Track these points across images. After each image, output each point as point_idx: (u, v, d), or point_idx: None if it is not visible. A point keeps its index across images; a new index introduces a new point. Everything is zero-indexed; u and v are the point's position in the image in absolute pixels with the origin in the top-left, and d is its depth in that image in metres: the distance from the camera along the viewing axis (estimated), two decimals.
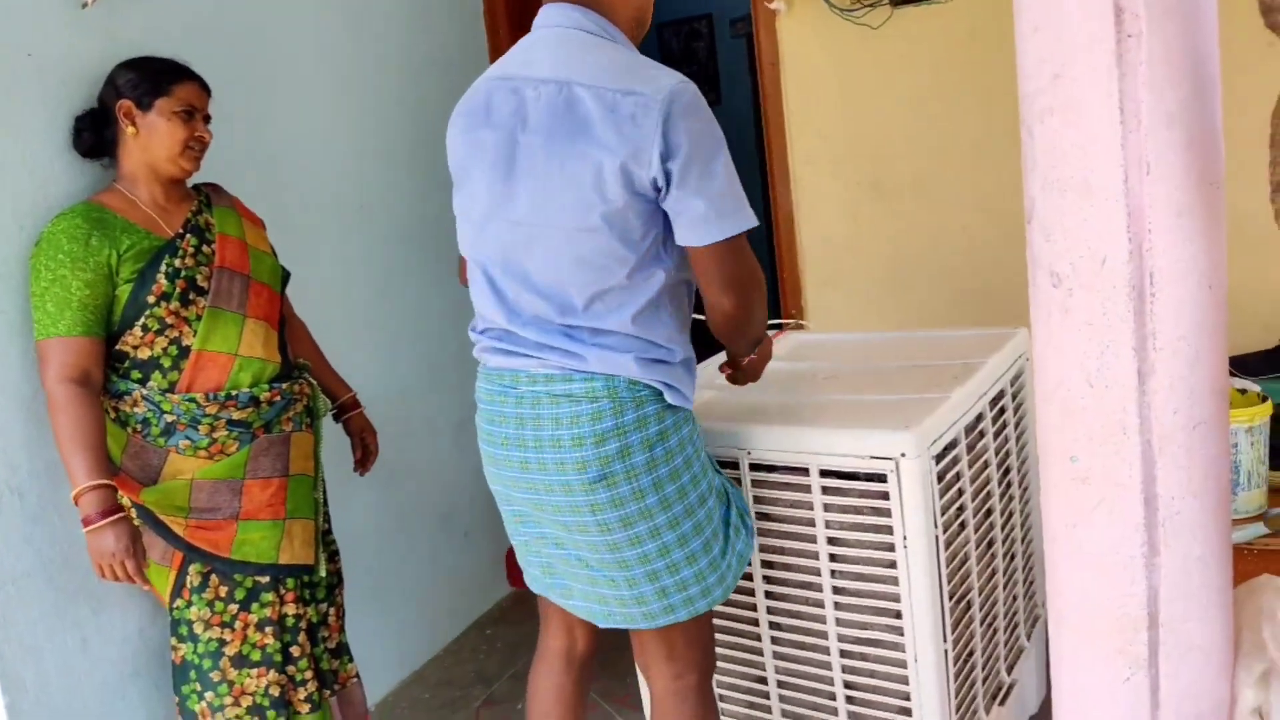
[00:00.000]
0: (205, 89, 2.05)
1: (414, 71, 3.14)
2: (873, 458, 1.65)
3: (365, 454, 2.43)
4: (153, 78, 1.98)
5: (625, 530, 1.59)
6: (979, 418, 1.87)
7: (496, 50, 3.52)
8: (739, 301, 1.59)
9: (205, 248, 2.02)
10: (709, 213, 1.51)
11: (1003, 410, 1.99)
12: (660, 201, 1.53)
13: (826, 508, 1.72)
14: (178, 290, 1.94)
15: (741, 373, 1.82)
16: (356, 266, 2.87)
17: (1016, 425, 2.05)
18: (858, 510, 1.70)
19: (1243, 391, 2.12)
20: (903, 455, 1.61)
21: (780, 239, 3.29)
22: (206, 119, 2.06)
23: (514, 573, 3.47)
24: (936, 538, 1.66)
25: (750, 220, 1.55)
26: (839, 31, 3.06)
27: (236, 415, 1.98)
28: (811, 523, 1.75)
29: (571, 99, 1.53)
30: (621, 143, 1.48)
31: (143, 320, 1.91)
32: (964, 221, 3.02)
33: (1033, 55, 1.08)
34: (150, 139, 1.96)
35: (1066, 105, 1.07)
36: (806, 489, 1.74)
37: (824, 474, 1.72)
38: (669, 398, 1.61)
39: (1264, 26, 2.55)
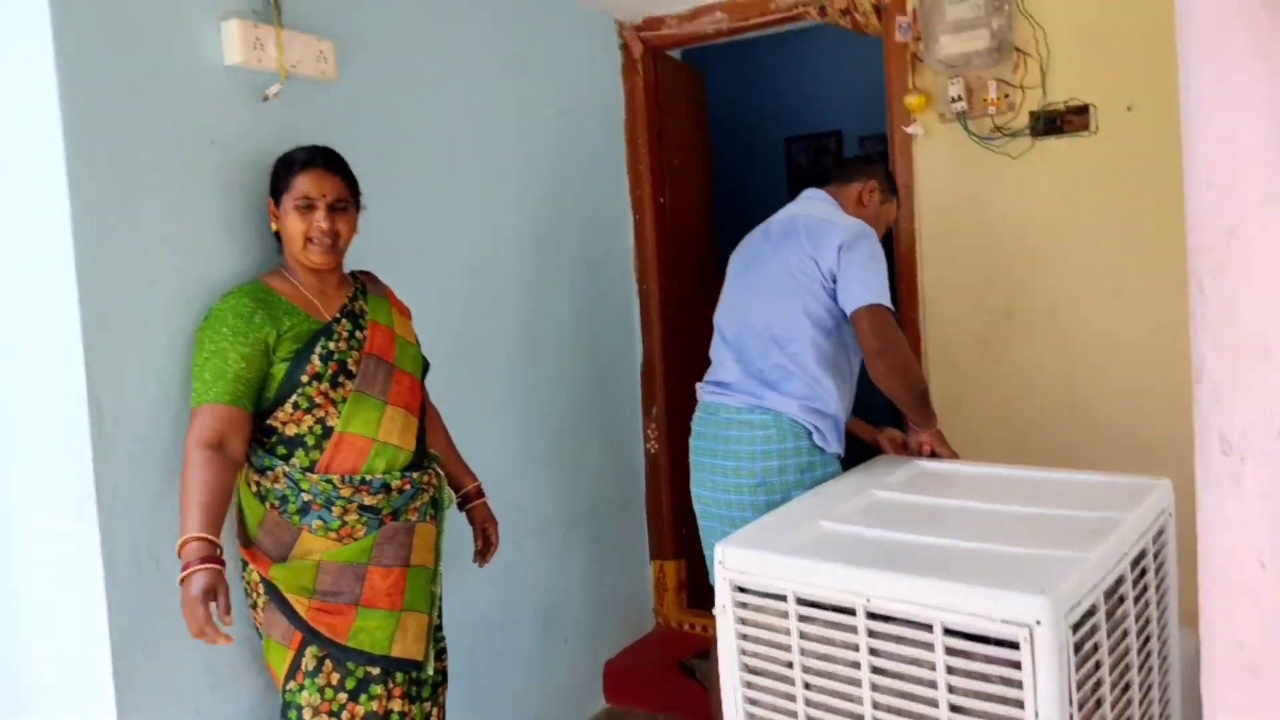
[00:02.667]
0: (335, 174, 2.09)
1: (555, 171, 3.26)
2: (1005, 622, 1.53)
3: (486, 545, 2.44)
4: (279, 173, 2.09)
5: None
6: (1119, 581, 1.75)
7: (634, 159, 3.64)
8: (881, 359, 2.27)
9: (358, 333, 2.11)
10: (860, 288, 2.30)
11: (1144, 572, 1.86)
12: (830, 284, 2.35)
13: (950, 669, 1.61)
14: (329, 372, 2.02)
15: (930, 445, 2.43)
16: (483, 357, 2.95)
17: (1158, 589, 1.92)
18: (984, 676, 1.59)
19: None
20: (1038, 623, 1.50)
21: None
22: (343, 206, 2.10)
23: (611, 686, 3.41)
24: (1071, 716, 1.54)
25: (888, 301, 2.30)
26: (977, 158, 3.05)
27: (368, 500, 2.03)
28: (932, 683, 1.63)
29: (794, 223, 2.46)
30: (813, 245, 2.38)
31: (294, 398, 1.99)
32: (1101, 358, 2.93)
33: (1205, 206, 1.05)
34: (284, 233, 2.08)
35: (1241, 263, 1.02)
36: (928, 646, 1.62)
37: (949, 633, 1.60)
38: (816, 439, 2.34)
39: None
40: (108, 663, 1.93)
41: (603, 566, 3.48)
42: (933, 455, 2.44)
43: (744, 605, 1.85)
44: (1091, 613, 1.63)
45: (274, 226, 2.10)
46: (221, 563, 1.85)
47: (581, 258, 3.39)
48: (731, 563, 1.86)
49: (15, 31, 1.91)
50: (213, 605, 1.79)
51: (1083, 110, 2.86)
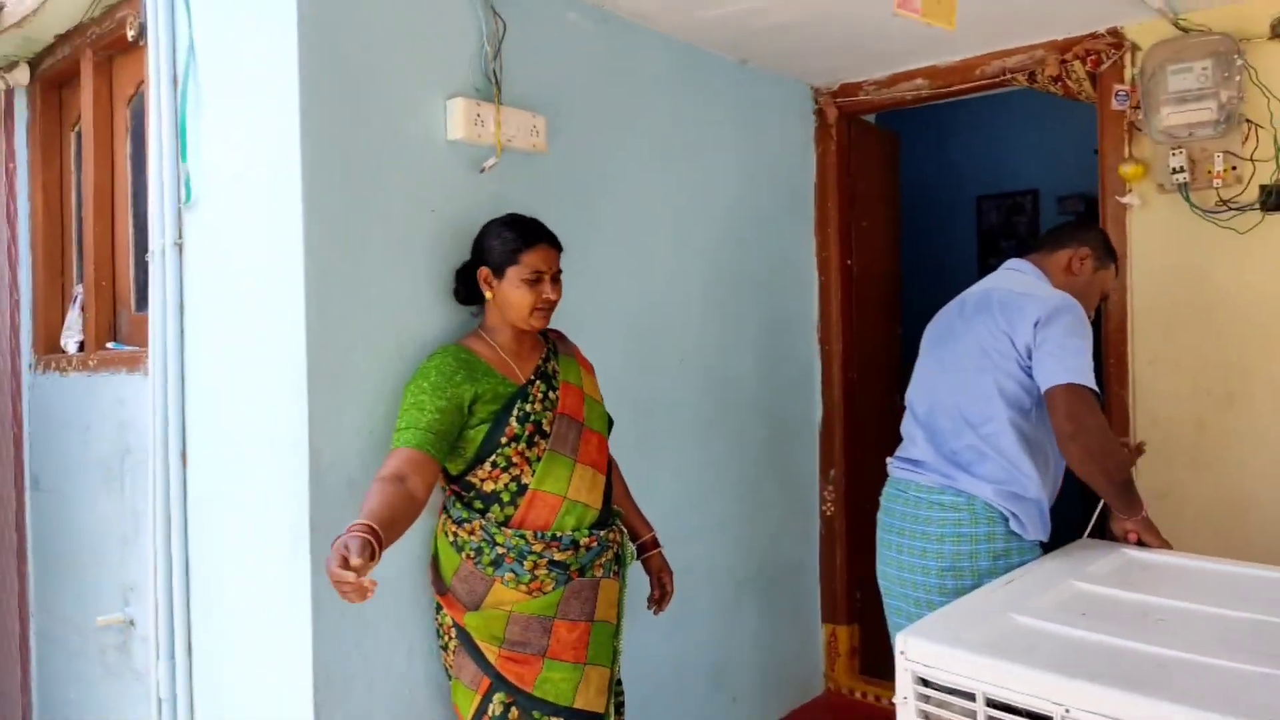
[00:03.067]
0: (556, 249, 2.21)
1: (742, 233, 3.29)
2: None
3: (662, 594, 2.47)
4: (507, 247, 2.16)
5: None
6: None
7: (823, 221, 3.62)
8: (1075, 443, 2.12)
9: (551, 394, 2.19)
10: (1055, 364, 2.14)
11: None
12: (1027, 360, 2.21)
13: None
14: (526, 433, 2.10)
15: (1136, 533, 2.26)
16: (664, 415, 2.99)
17: None
18: None
19: None
20: None
21: None
22: (559, 276, 2.21)
23: None
24: None
25: (1089, 381, 2.12)
26: (1199, 232, 2.87)
27: (558, 556, 2.09)
28: None
29: (989, 297, 2.33)
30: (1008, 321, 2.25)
31: (493, 458, 2.08)
32: None
33: None
34: (504, 302, 2.16)
35: None
36: None
37: None
38: (1013, 525, 2.21)
39: None
40: (309, 695, 2.05)
41: (774, 627, 3.43)
42: (1140, 544, 2.26)
43: (927, 699, 1.78)
44: None
45: (488, 294, 2.18)
46: (377, 533, 1.72)
47: (764, 318, 3.40)
48: (914, 654, 1.78)
49: (268, 102, 2.12)
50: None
51: None
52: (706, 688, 3.12)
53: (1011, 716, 1.64)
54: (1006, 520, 2.22)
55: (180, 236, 2.40)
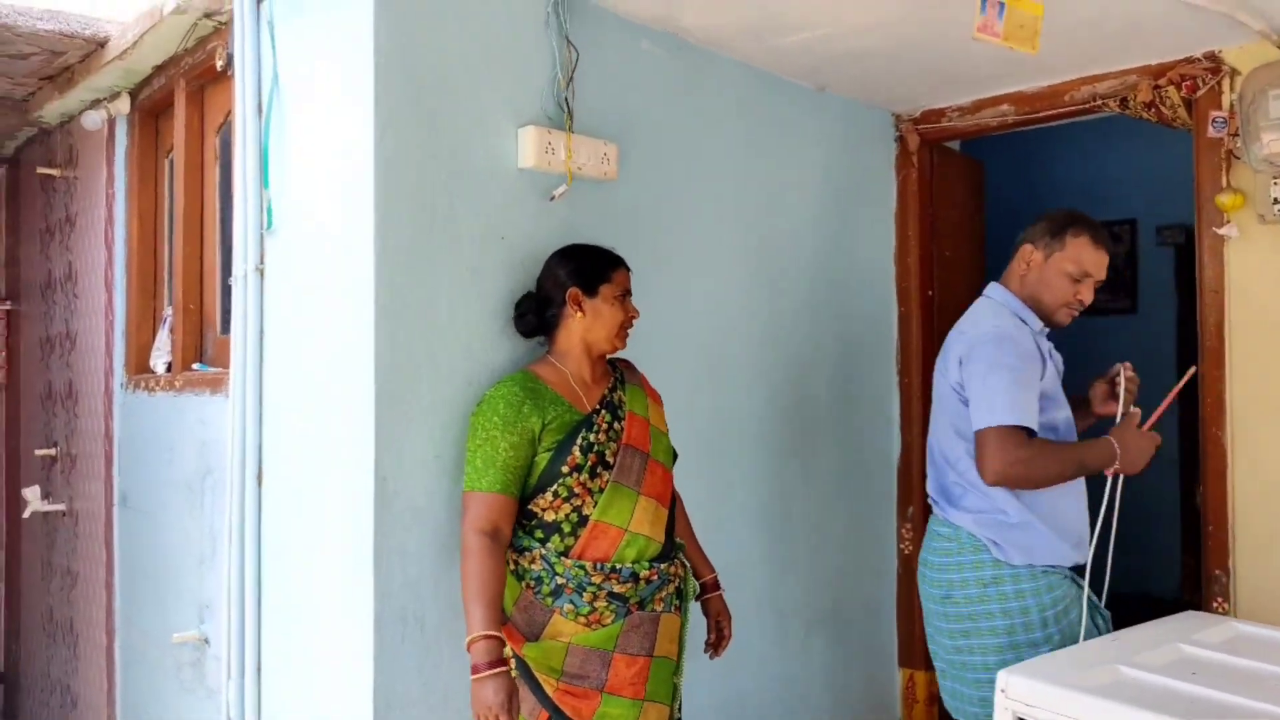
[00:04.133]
0: (629, 270, 2.24)
1: (819, 262, 3.24)
2: None
3: (720, 638, 2.42)
4: (596, 265, 2.19)
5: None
6: None
7: (903, 251, 3.54)
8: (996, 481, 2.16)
9: (616, 424, 2.17)
10: (977, 408, 2.16)
11: None
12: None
13: None
14: (589, 463, 2.08)
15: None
16: (732, 446, 2.93)
17: None
18: None
19: None
20: None
21: (1208, 484, 2.89)
22: (630, 296, 2.23)
23: None
24: None
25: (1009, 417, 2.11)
26: None
27: (617, 588, 2.06)
28: None
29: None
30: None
31: (554, 487, 2.06)
32: None
33: None
34: (595, 321, 2.16)
35: None
36: None
37: None
38: (995, 553, 2.21)
39: None
40: (369, 716, 2.05)
41: (846, 669, 3.33)
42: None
43: None
44: None
45: (576, 314, 2.16)
46: (508, 663, 1.96)
47: (841, 348, 3.32)
48: (1015, 692, 1.78)
49: (344, 131, 2.16)
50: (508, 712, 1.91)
51: None
52: None
53: None
54: (988, 548, 2.24)
55: (262, 262, 2.45)
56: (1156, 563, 5.01)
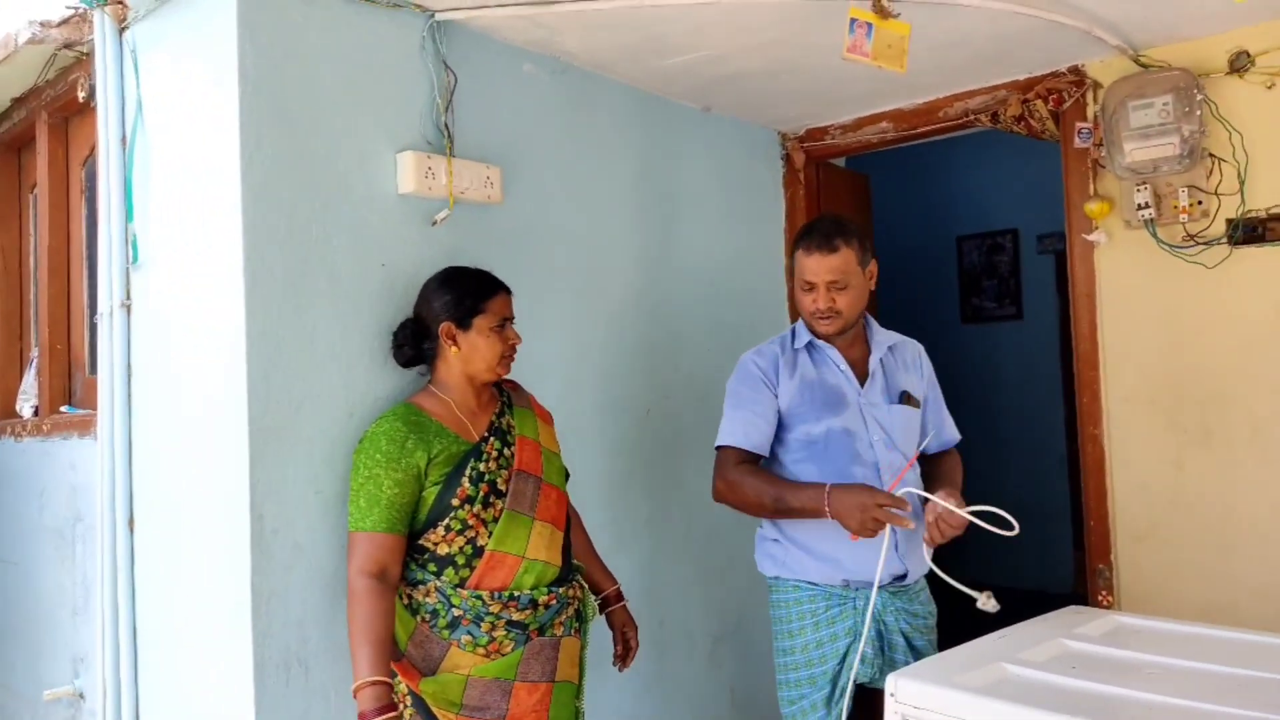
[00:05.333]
0: (510, 294, 2.18)
1: (709, 280, 3.26)
2: None
3: (626, 649, 2.39)
4: (468, 297, 2.12)
5: None
6: None
7: None
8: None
9: (506, 450, 2.13)
10: None
11: None
12: None
13: None
14: (480, 494, 2.03)
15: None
16: (631, 468, 2.92)
17: None
18: None
19: None
20: None
21: (1088, 480, 3.00)
22: (512, 321, 2.17)
23: None
24: None
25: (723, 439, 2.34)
26: (1167, 267, 2.84)
27: (516, 616, 2.02)
28: None
29: None
30: None
31: (446, 520, 2.01)
32: None
33: None
34: (472, 354, 2.11)
35: None
36: None
37: None
38: (760, 566, 2.41)
39: None
40: None
41: (753, 684, 3.33)
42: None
43: None
44: None
45: (452, 349, 2.11)
46: (398, 706, 1.91)
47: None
48: (904, 695, 1.78)
49: (210, 162, 2.09)
50: None
51: None
52: None
53: None
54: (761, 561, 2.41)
55: (128, 298, 2.35)
56: (1050, 559, 5.17)
